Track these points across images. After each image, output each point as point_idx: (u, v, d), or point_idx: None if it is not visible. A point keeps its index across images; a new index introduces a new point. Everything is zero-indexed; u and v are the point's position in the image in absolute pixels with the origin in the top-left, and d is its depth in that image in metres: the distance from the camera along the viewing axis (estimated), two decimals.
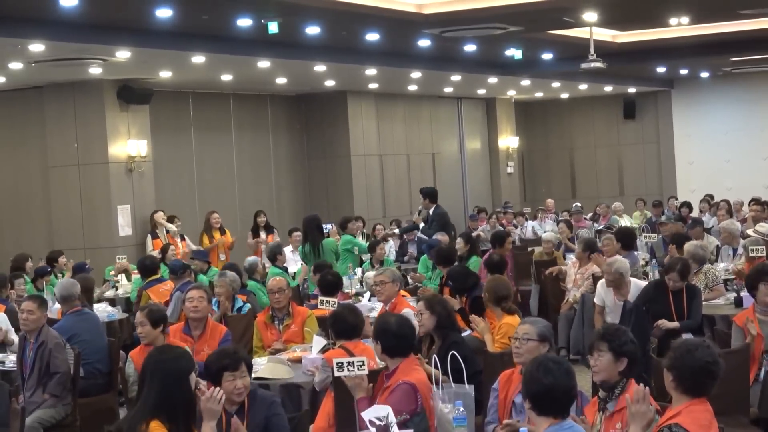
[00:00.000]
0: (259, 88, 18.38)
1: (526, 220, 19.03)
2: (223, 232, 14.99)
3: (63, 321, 8.35)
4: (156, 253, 13.00)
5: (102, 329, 8.71)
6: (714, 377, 4.30)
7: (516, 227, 18.46)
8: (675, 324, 8.24)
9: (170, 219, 14.91)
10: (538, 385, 4.14)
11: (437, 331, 6.60)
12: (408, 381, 5.30)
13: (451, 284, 8.81)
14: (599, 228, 15.27)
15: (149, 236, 14.66)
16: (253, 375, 5.76)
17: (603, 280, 9.31)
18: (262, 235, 15.27)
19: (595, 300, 9.46)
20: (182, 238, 14.73)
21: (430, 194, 13.50)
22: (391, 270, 8.81)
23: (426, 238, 14.33)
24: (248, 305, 9.37)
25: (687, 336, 7.82)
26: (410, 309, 7.89)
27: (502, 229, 16.34)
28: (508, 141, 24.22)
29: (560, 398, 4.16)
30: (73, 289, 8.52)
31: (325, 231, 12.07)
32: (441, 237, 12.65)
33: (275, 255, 12.05)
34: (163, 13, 10.92)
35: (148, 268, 11.03)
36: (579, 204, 19.20)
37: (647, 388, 4.32)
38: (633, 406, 4.25)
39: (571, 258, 11.62)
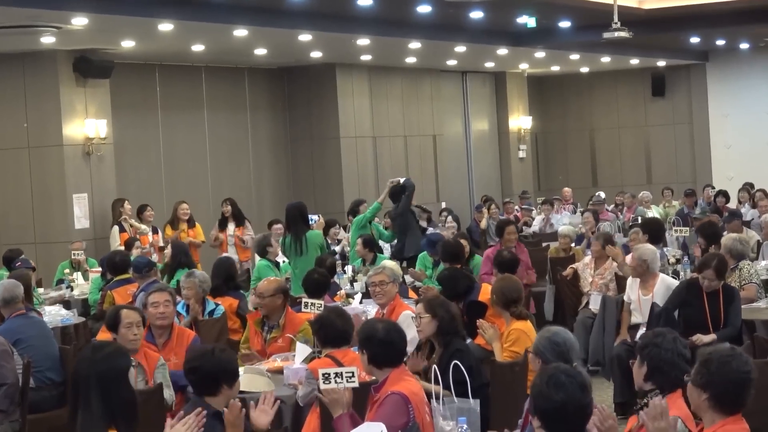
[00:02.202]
0: (236, 61, 18.34)
1: (540, 212, 19.00)
2: (192, 225, 14.96)
3: (7, 324, 8.30)
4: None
5: (51, 333, 8.68)
6: (750, 389, 4.35)
7: (528, 223, 18.42)
8: (712, 337, 8.20)
9: (141, 209, 14.86)
10: (548, 401, 4.13)
11: (439, 338, 6.61)
12: (398, 391, 5.30)
13: (444, 292, 8.77)
14: (629, 223, 15.23)
15: (116, 228, 14.61)
16: None
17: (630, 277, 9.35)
18: (230, 227, 15.14)
19: (624, 297, 9.49)
20: (155, 231, 14.72)
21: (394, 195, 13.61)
22: (391, 268, 8.77)
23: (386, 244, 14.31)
24: (221, 308, 9.36)
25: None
26: (410, 311, 7.88)
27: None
28: (520, 121, 24.21)
29: (573, 416, 4.15)
30: (17, 290, 8.49)
31: (311, 223, 12.03)
32: (444, 232, 12.66)
33: (264, 247, 12.02)
34: None
35: (118, 266, 10.99)
36: (601, 193, 19.21)
37: (664, 400, 4.33)
38: (651, 424, 4.26)
39: (587, 256, 11.61)
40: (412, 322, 7.08)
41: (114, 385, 4.56)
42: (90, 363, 4.64)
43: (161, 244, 14.38)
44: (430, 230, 14.84)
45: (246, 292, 11.03)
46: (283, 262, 12.52)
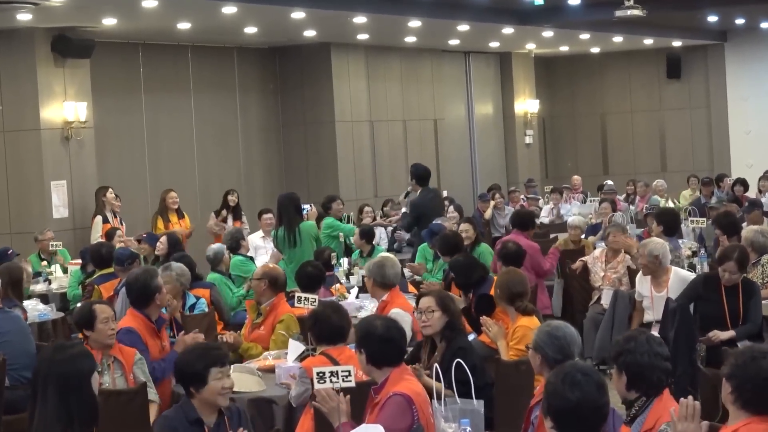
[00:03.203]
0: (224, 40, 18.31)
1: (548, 202, 19.01)
2: (181, 215, 14.97)
3: None
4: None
5: (28, 329, 8.68)
6: None
7: (535, 213, 18.41)
8: (730, 333, 8.19)
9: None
10: (563, 400, 4.13)
11: (445, 335, 6.62)
12: (400, 392, 5.31)
13: (453, 277, 8.81)
14: (642, 213, 15.21)
15: (99, 218, 14.59)
16: None
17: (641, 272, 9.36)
18: (229, 220, 15.27)
19: (635, 295, 9.50)
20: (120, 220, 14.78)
21: (417, 175, 13.33)
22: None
23: (405, 235, 14.29)
24: (204, 301, 9.38)
25: (744, 343, 7.82)
26: (399, 309, 7.89)
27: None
28: (527, 105, 24.21)
29: (589, 417, 4.15)
30: None
31: (303, 213, 12.06)
32: (446, 222, 12.64)
33: (237, 242, 12.06)
34: None
35: (105, 259, 10.95)
36: (611, 182, 19.20)
37: (697, 402, 4.34)
38: (679, 424, 4.28)
39: (599, 248, 11.61)
40: (402, 320, 7.06)
41: (74, 389, 4.58)
42: (51, 363, 4.64)
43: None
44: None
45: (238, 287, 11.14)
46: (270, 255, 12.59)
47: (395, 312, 7.75)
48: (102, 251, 11.11)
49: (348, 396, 5.20)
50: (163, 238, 11.52)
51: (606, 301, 10.47)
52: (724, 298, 8.36)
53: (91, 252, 11.37)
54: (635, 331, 5.15)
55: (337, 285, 10.48)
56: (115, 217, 14.66)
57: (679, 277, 9.09)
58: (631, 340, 4.94)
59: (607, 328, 10.15)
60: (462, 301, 8.79)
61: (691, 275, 9.38)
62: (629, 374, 4.88)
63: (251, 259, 12.20)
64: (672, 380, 4.97)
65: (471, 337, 8.23)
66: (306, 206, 12.57)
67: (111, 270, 10.78)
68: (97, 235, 14.28)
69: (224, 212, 15.48)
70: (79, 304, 11.18)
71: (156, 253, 11.54)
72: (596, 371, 4.30)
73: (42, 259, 13.42)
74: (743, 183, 18.16)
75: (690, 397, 4.43)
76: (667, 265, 9.23)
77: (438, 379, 5.43)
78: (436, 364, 5.65)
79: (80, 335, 7.74)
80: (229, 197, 15.60)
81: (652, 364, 4.87)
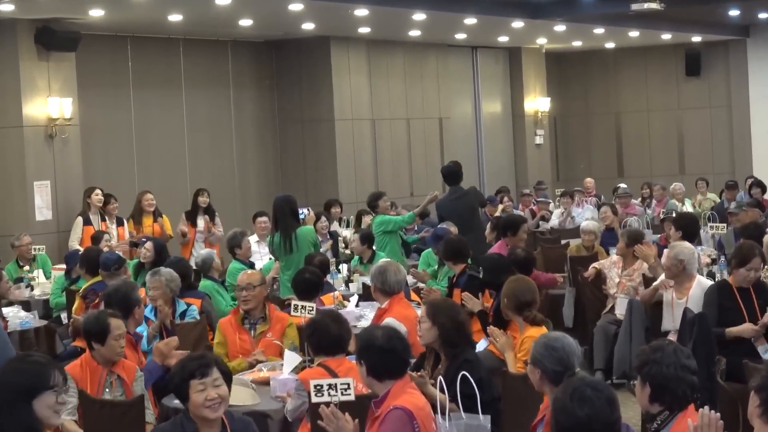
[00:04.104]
0: (218, 33, 18.33)
1: (559, 206, 18.99)
2: (157, 218, 14.95)
3: None
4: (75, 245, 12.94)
5: (7, 338, 8.66)
6: None
7: (546, 217, 18.41)
8: (757, 326, 8.21)
9: (106, 201, 14.82)
10: (572, 417, 4.13)
11: (443, 348, 6.60)
12: (401, 406, 5.31)
13: (482, 276, 8.78)
14: (659, 218, 15.17)
15: (79, 219, 14.57)
16: None
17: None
18: (200, 222, 15.12)
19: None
20: (120, 224, 14.73)
21: (443, 173, 13.42)
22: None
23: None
24: (195, 308, 9.39)
25: None
26: (393, 319, 7.87)
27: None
28: (537, 103, 24.21)
29: None
30: None
31: (300, 217, 12.04)
32: (452, 227, 12.64)
33: (233, 247, 12.04)
34: None
35: (95, 265, 10.91)
36: (625, 185, 19.19)
37: (717, 414, 4.33)
38: None
39: (614, 254, 11.60)
40: (399, 327, 7.05)
41: (9, 408, 4.35)
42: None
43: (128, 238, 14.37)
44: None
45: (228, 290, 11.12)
46: (270, 259, 12.54)
47: (389, 322, 7.73)
48: (90, 255, 11.08)
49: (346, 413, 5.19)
50: (149, 245, 11.46)
51: (620, 311, 10.45)
52: (740, 301, 8.44)
53: (83, 257, 11.30)
54: (662, 341, 5.12)
55: (336, 293, 10.47)
56: (103, 220, 14.63)
57: (701, 287, 9.08)
58: (657, 351, 4.94)
59: (626, 340, 10.14)
60: (477, 304, 8.80)
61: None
62: (653, 386, 4.88)
63: (252, 265, 12.16)
64: (698, 395, 4.95)
65: (482, 344, 8.24)
66: (303, 210, 12.54)
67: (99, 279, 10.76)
68: (75, 237, 14.28)
69: (199, 217, 15.17)
70: (64, 313, 11.25)
71: (141, 260, 11.48)
72: (607, 386, 4.30)
73: (20, 266, 13.38)
74: (760, 185, 18.09)
75: (708, 408, 4.43)
76: (692, 272, 9.22)
77: (442, 392, 5.42)
78: (440, 377, 5.65)
79: (76, 342, 7.77)
80: (200, 198, 15.24)
81: (678, 377, 4.87)
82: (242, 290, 8.25)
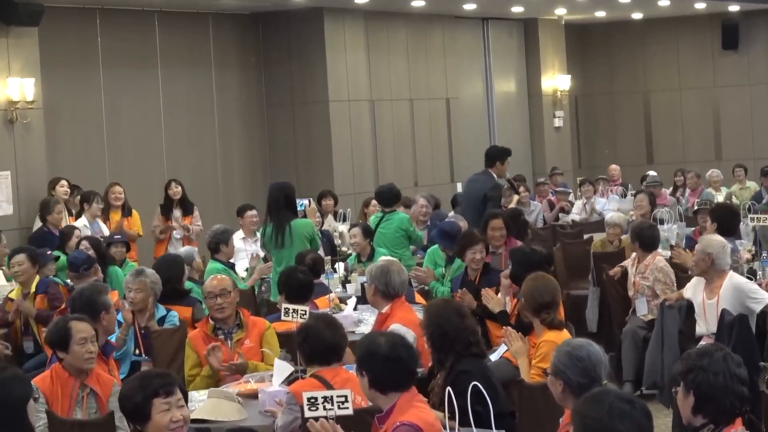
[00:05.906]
0: (198, 4, 18.33)
1: (581, 196, 19.01)
2: (127, 213, 14.96)
3: None
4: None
5: None
6: None
7: (566, 209, 18.42)
8: None
9: (86, 198, 14.79)
10: None
11: (431, 357, 6.65)
12: (409, 422, 5.31)
13: (513, 269, 8.79)
14: (693, 209, 15.17)
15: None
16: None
17: None
18: (176, 214, 15.14)
19: (685, 293, 9.52)
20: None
21: (485, 154, 13.50)
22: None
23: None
24: (175, 314, 9.39)
25: None
26: (400, 324, 7.88)
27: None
28: (556, 81, 24.23)
29: None
30: None
31: (300, 208, 11.97)
32: (461, 221, 12.65)
33: (218, 244, 12.03)
34: None
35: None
36: (655, 173, 19.19)
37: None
38: None
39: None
40: (406, 334, 7.07)
41: (5, 421, 4.53)
42: None
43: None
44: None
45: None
46: (256, 259, 12.55)
47: (395, 327, 7.73)
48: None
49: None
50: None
51: (640, 311, 10.50)
52: None
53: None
54: (711, 345, 5.12)
55: (331, 295, 10.47)
56: (71, 214, 14.66)
57: (732, 285, 9.08)
58: (705, 356, 4.94)
59: (657, 346, 10.11)
60: (498, 304, 8.80)
61: (749, 283, 9.38)
62: (698, 395, 4.88)
63: (231, 266, 12.15)
64: (747, 408, 4.95)
65: (497, 353, 8.25)
66: (304, 201, 12.45)
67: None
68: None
69: (175, 209, 15.20)
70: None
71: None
72: (637, 397, 4.33)
73: None
74: None
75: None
76: (723, 268, 9.21)
77: (447, 406, 5.43)
78: (448, 388, 5.65)
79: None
80: (170, 190, 15.32)
81: (726, 387, 4.87)
82: (216, 297, 8.20)
